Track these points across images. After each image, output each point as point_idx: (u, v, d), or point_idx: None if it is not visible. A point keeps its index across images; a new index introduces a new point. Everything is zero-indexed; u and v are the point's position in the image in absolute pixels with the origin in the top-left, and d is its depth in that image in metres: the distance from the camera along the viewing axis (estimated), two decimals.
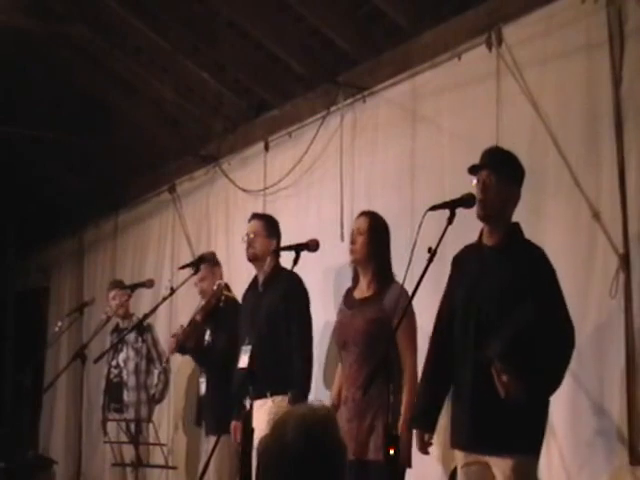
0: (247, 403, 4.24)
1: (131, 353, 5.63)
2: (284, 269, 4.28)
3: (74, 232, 8.76)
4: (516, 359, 2.88)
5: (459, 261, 3.29)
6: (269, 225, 4.57)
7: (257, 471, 1.88)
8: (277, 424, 1.86)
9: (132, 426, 5.44)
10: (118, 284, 6.12)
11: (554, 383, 2.98)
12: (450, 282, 3.29)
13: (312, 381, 4.29)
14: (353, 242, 3.81)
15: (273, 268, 4.43)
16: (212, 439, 4.83)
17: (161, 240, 7.07)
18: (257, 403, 4.19)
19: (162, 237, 7.06)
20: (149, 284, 5.41)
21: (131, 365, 5.65)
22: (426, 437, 3.25)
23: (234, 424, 4.48)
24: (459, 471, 3.13)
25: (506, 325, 2.93)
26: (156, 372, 5.79)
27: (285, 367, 4.19)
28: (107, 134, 7.06)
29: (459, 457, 3.13)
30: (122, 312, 5.95)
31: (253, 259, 4.53)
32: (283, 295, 4.23)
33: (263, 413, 4.16)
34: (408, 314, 3.55)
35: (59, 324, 6.64)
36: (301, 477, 1.80)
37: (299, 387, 4.14)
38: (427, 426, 3.24)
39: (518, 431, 2.94)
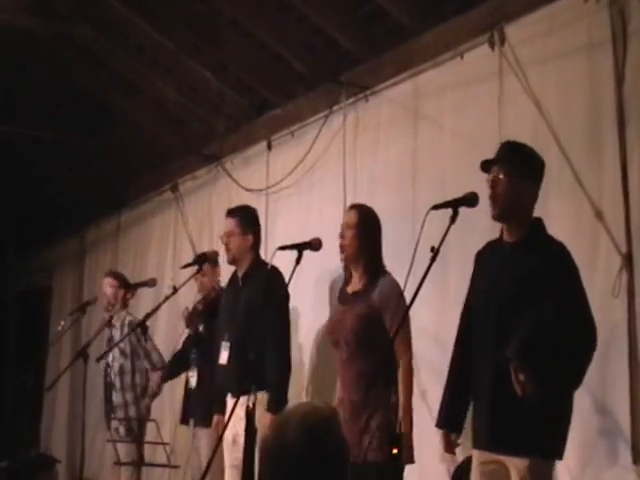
0: (229, 399, 4.23)
1: (116, 353, 5.48)
2: (264, 264, 4.22)
3: (76, 232, 8.77)
4: (533, 358, 2.82)
5: (480, 257, 3.22)
6: (243, 221, 4.40)
7: (259, 470, 1.87)
8: (279, 423, 1.86)
9: (121, 426, 5.43)
10: (111, 273, 5.96)
11: (573, 383, 2.92)
12: (472, 280, 3.23)
13: (289, 380, 4.21)
14: (342, 236, 3.74)
15: (252, 262, 4.34)
16: (204, 431, 4.83)
17: (163, 239, 7.08)
18: (242, 400, 4.14)
19: (164, 236, 7.07)
20: (151, 283, 5.39)
21: (116, 366, 5.53)
22: (453, 437, 3.19)
23: (216, 418, 4.46)
24: (474, 469, 3.09)
25: (525, 324, 2.88)
26: (142, 369, 5.55)
27: (264, 364, 4.09)
28: (110, 134, 7.07)
29: (475, 455, 3.10)
30: (106, 303, 5.73)
31: (232, 263, 4.43)
32: (262, 291, 4.14)
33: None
34: (401, 309, 3.49)
35: (62, 323, 6.63)
36: (303, 476, 1.79)
37: (276, 387, 4.06)
38: (453, 427, 3.19)
39: (537, 433, 2.88)
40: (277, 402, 4.00)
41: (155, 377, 5.40)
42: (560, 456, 2.97)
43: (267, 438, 1.87)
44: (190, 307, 5.08)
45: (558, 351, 2.84)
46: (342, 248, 3.74)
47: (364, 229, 3.72)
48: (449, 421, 3.21)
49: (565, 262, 2.97)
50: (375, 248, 3.74)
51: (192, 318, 5.00)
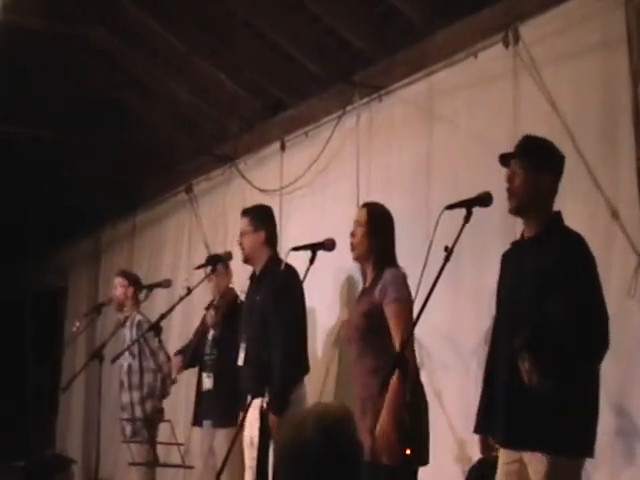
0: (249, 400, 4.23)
1: (125, 353, 5.41)
2: (279, 262, 4.20)
3: (92, 233, 8.81)
4: (539, 346, 2.79)
5: (504, 260, 3.20)
6: (255, 218, 4.45)
7: (275, 468, 1.87)
8: (296, 422, 1.86)
9: (128, 426, 5.43)
10: (120, 273, 5.96)
11: (584, 374, 2.86)
12: (499, 281, 3.21)
13: (295, 380, 4.20)
14: (353, 235, 3.74)
15: (268, 261, 4.35)
16: (222, 431, 4.80)
17: (178, 240, 7.10)
18: (257, 401, 4.12)
19: (179, 237, 7.09)
20: (166, 284, 5.39)
21: (125, 365, 5.51)
22: (490, 441, 3.15)
23: (242, 415, 4.46)
24: (499, 468, 3.05)
25: (536, 314, 2.86)
26: (151, 369, 5.53)
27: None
28: (125, 135, 7.10)
29: (501, 454, 3.06)
30: (116, 303, 5.75)
31: (245, 261, 4.45)
32: (275, 291, 4.14)
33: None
34: (404, 301, 3.49)
35: (77, 324, 6.64)
36: (319, 474, 1.80)
37: (278, 388, 4.02)
38: (489, 431, 3.13)
39: (553, 429, 2.83)
40: (278, 403, 3.96)
41: (176, 361, 5.34)
42: (588, 454, 2.90)
43: (283, 437, 1.87)
44: (212, 309, 5.07)
45: (566, 342, 2.80)
46: (353, 246, 3.73)
47: (374, 227, 3.70)
48: (485, 425, 3.14)
49: (580, 253, 2.93)
50: (386, 245, 3.72)
51: (218, 319, 5.00)
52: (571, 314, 2.82)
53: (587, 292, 2.88)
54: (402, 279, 3.58)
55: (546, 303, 2.86)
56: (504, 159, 3.07)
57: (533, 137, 3.13)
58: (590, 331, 2.83)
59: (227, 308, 4.99)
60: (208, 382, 4.97)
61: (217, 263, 4.74)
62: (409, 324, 3.48)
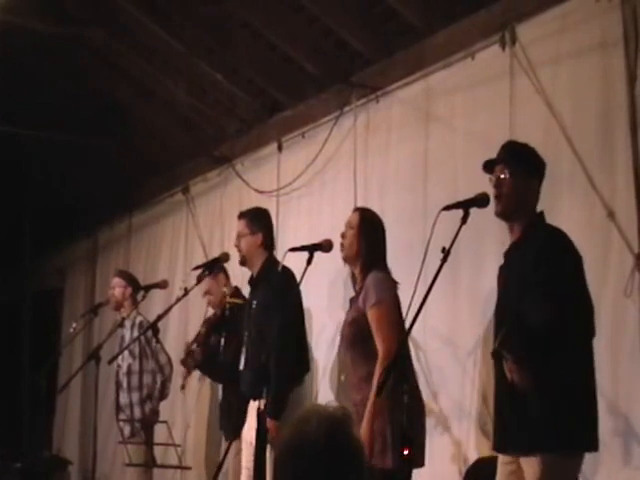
0: (252, 403, 4.24)
1: (125, 354, 5.40)
2: (276, 264, 4.16)
3: (89, 233, 8.80)
4: (518, 344, 2.80)
5: (500, 268, 3.20)
6: (252, 220, 4.45)
7: (275, 466, 1.86)
8: (299, 420, 1.85)
9: (126, 427, 5.43)
10: (117, 273, 5.95)
11: (568, 371, 2.85)
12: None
13: (291, 383, 4.19)
14: (343, 236, 3.77)
15: (264, 263, 4.36)
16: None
17: (174, 241, 7.09)
18: (255, 403, 4.11)
19: (175, 238, 7.08)
20: (163, 285, 5.38)
21: (124, 366, 5.50)
22: None
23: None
24: (498, 469, 3.05)
25: (517, 313, 2.88)
26: (150, 370, 5.50)
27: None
28: (122, 135, 7.09)
29: (500, 455, 3.08)
30: (113, 303, 5.73)
31: (242, 263, 4.43)
32: (271, 293, 4.15)
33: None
34: (382, 303, 3.52)
35: (74, 325, 6.62)
36: (320, 473, 1.79)
37: (275, 392, 3.96)
38: None
39: (544, 428, 2.83)
40: (275, 407, 3.93)
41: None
42: (585, 448, 2.88)
43: (286, 437, 1.85)
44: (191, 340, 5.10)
45: (543, 337, 2.79)
46: (342, 248, 3.76)
47: (365, 230, 3.73)
48: None
49: (557, 245, 2.95)
50: (375, 251, 3.74)
51: (187, 360, 4.99)
52: (548, 307, 2.81)
53: (569, 288, 2.88)
54: (382, 281, 3.59)
55: (523, 301, 2.87)
56: (489, 165, 3.10)
57: (517, 143, 3.19)
58: (568, 322, 2.83)
59: (213, 322, 5.00)
60: (220, 394, 5.00)
61: (214, 264, 4.73)
62: (391, 325, 3.52)
